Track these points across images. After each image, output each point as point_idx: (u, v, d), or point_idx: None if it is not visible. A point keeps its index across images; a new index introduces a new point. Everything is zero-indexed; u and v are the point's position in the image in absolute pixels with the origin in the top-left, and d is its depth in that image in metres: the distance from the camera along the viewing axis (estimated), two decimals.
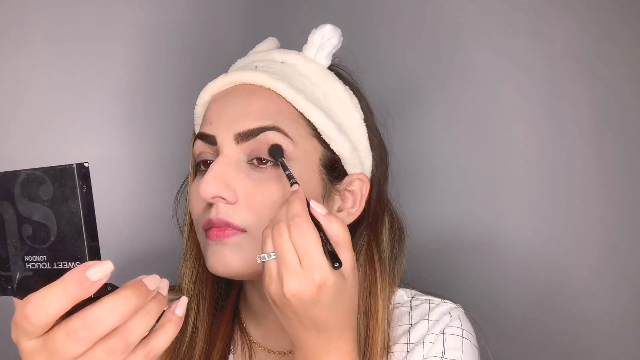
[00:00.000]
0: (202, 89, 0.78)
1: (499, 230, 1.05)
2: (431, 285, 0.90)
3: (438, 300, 0.78)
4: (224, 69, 0.80)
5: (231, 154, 0.70)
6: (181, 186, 0.85)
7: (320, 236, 0.58)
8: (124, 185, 1.07)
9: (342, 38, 0.77)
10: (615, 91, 1.00)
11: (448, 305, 0.76)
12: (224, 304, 0.81)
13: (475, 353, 0.74)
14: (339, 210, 0.76)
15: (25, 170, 0.45)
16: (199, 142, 0.73)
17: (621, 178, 1.00)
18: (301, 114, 0.72)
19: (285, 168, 0.66)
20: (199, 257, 0.79)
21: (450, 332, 0.73)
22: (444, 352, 0.71)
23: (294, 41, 0.82)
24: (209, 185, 0.67)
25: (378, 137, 0.81)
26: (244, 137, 0.69)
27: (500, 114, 1.03)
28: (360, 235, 0.78)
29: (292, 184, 0.64)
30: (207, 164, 0.72)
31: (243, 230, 0.68)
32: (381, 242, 0.78)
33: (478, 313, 0.81)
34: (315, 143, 0.73)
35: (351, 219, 0.76)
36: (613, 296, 1.01)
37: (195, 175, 0.77)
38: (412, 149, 1.06)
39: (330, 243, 0.58)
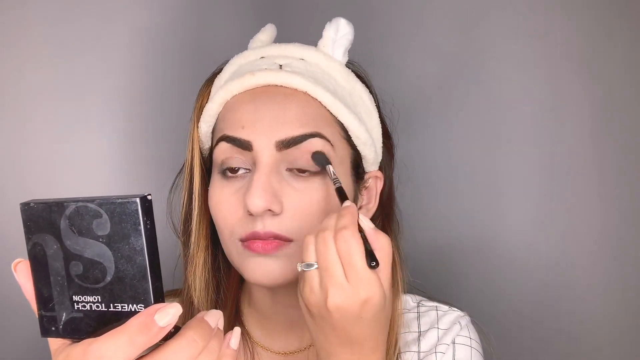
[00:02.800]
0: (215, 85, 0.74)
1: (499, 231, 1.05)
2: (432, 286, 0.89)
3: (445, 307, 0.78)
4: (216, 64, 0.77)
5: (272, 162, 0.66)
6: (173, 184, 0.80)
7: (366, 249, 0.56)
8: (123, 185, 1.05)
9: (353, 31, 0.75)
10: (615, 91, 1.00)
11: (456, 313, 0.77)
12: (224, 304, 0.78)
13: None
14: (359, 208, 0.75)
15: (74, 200, 0.40)
16: (226, 146, 0.68)
17: (621, 178, 1.01)
18: (334, 117, 0.70)
19: (332, 176, 0.65)
20: (207, 262, 0.76)
21: (459, 342, 0.74)
22: None
23: (298, 38, 0.78)
24: (258, 200, 0.63)
25: (387, 131, 0.80)
26: (285, 144, 0.66)
27: (500, 114, 1.03)
28: None
29: (337, 191, 0.63)
30: (234, 170, 0.68)
31: (290, 240, 0.66)
32: (394, 238, 0.79)
33: (478, 314, 0.81)
34: (346, 145, 0.71)
35: (369, 215, 0.76)
36: (613, 297, 1.02)
37: (202, 178, 0.73)
38: (412, 150, 1.04)
39: (374, 256, 0.56)
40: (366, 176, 0.75)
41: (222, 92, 0.71)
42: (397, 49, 1.04)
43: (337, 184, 0.63)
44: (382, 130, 0.77)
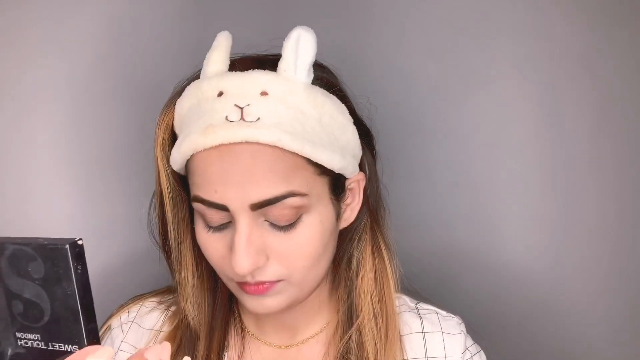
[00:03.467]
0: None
1: (497, 231, 1.04)
2: (430, 287, 0.89)
3: (444, 312, 0.83)
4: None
5: (250, 221, 0.67)
6: (150, 203, 0.81)
7: None
8: (122, 186, 1.07)
9: (316, 39, 0.69)
10: (615, 91, 0.98)
11: (455, 319, 0.82)
12: (221, 299, 0.81)
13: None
14: (343, 212, 0.76)
15: (12, 243, 0.41)
16: (202, 206, 0.68)
17: (621, 179, 0.99)
18: (307, 159, 0.68)
19: None
20: (194, 270, 0.78)
21: (474, 351, 0.81)
22: None
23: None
24: (244, 263, 0.66)
25: (365, 130, 0.79)
26: (259, 206, 0.66)
27: (499, 114, 1.01)
28: (360, 221, 0.79)
29: None
30: (215, 227, 0.70)
31: (280, 280, 0.70)
32: (384, 226, 0.81)
33: (476, 314, 0.83)
34: (322, 179, 0.70)
35: (355, 213, 0.77)
36: (612, 299, 1.01)
37: (174, 203, 0.75)
38: (410, 149, 1.04)
39: None
40: (347, 183, 0.75)
41: (185, 147, 0.68)
42: (394, 48, 1.03)
43: None
44: (359, 131, 0.75)
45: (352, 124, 0.74)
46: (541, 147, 1.01)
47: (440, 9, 1.01)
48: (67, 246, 0.39)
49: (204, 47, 0.74)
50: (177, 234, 0.76)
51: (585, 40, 0.97)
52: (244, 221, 0.66)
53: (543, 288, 1.03)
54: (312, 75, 0.69)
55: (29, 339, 0.42)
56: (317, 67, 0.73)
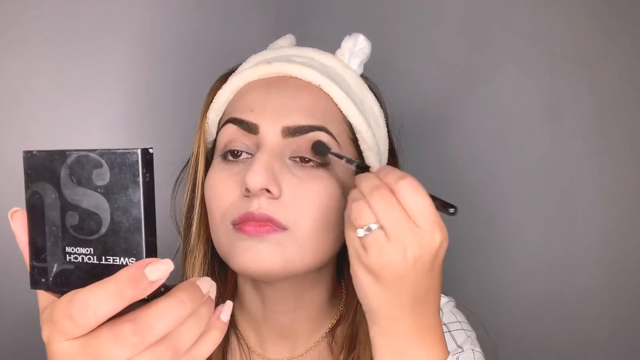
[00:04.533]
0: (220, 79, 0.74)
1: (497, 231, 1.05)
2: None
3: None
4: (225, 67, 0.77)
5: (276, 146, 0.65)
6: (177, 180, 0.80)
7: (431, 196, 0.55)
8: None
9: (371, 47, 0.75)
10: (615, 91, 1.01)
11: (442, 300, 0.76)
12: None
13: (475, 338, 0.76)
14: None
15: (76, 150, 0.39)
16: (232, 128, 0.67)
17: (621, 178, 1.02)
18: (344, 117, 0.69)
19: (343, 157, 0.63)
20: (207, 255, 0.74)
21: (454, 329, 0.74)
22: (461, 347, 0.72)
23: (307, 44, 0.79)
24: (258, 176, 0.61)
25: (393, 149, 0.80)
26: (291, 132, 0.65)
27: (500, 113, 1.03)
28: None
29: (359, 167, 0.61)
30: (235, 154, 0.67)
31: (284, 228, 0.64)
32: None
33: (479, 313, 0.80)
34: (352, 147, 0.70)
35: None
36: (614, 296, 1.02)
37: (206, 168, 0.72)
38: (411, 148, 1.04)
39: (437, 197, 0.55)
40: None
41: (236, 79, 0.71)
42: (394, 49, 1.04)
43: (354, 162, 0.62)
44: (389, 147, 0.77)
45: (386, 131, 0.76)
46: (541, 147, 1.03)
47: (441, 11, 1.03)
48: (139, 151, 0.38)
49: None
50: (202, 196, 0.72)
51: (585, 40, 1.00)
52: (271, 144, 0.65)
53: (544, 286, 1.04)
54: (362, 70, 0.75)
55: (80, 254, 0.40)
56: (365, 77, 0.77)
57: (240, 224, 0.64)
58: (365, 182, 0.56)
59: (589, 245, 1.02)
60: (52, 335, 0.40)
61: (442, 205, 0.54)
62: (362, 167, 0.61)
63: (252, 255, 0.63)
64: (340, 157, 0.63)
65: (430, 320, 0.58)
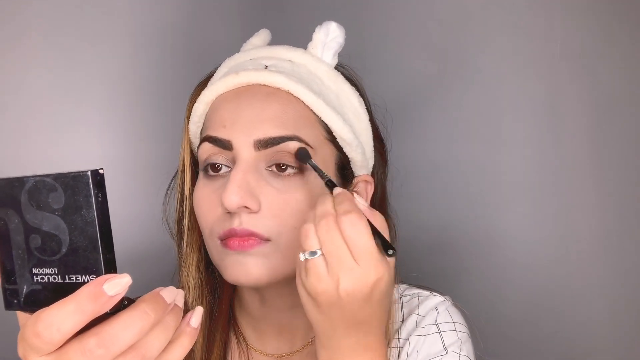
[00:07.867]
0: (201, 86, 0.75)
1: (498, 230, 1.04)
2: (430, 286, 0.88)
3: (426, 292, 0.78)
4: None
5: (250, 160, 0.67)
6: (168, 187, 0.82)
7: (374, 233, 0.56)
8: (122, 186, 1.06)
9: (345, 37, 0.75)
10: (615, 91, 1.00)
11: (436, 299, 0.76)
12: (219, 308, 0.79)
13: (470, 341, 0.75)
14: None
15: (33, 176, 0.42)
16: (208, 146, 0.69)
17: (621, 178, 1.00)
18: (318, 117, 0.70)
19: (318, 170, 0.64)
20: (201, 262, 0.76)
21: (445, 329, 0.73)
22: (446, 350, 0.71)
23: (293, 41, 0.79)
24: (233, 196, 0.64)
25: (379, 136, 0.80)
26: (263, 144, 0.66)
27: (500, 113, 1.03)
28: None
29: (327, 184, 0.63)
30: (215, 167, 0.69)
31: (267, 240, 0.66)
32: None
33: (478, 313, 0.80)
34: (331, 147, 0.71)
35: None
36: (612, 296, 1.01)
37: (192, 178, 0.74)
38: (411, 148, 1.05)
39: (380, 233, 0.56)
40: (355, 180, 0.75)
41: (207, 93, 0.72)
42: (394, 48, 1.04)
43: (325, 177, 0.63)
44: (374, 134, 0.77)
45: (368, 120, 0.76)
46: (541, 146, 1.02)
47: (441, 10, 1.03)
48: (89, 173, 0.40)
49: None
50: (191, 205, 0.74)
51: (585, 40, 0.99)
52: (245, 158, 0.66)
53: (543, 286, 1.03)
54: (336, 61, 0.75)
55: (45, 274, 0.42)
56: (341, 66, 0.77)
57: (226, 239, 0.67)
58: (320, 205, 0.59)
59: (588, 245, 1.01)
60: (26, 352, 0.42)
61: (383, 245, 0.56)
62: (329, 185, 0.62)
63: (240, 270, 0.66)
64: (315, 169, 0.65)
65: (374, 339, 0.60)
